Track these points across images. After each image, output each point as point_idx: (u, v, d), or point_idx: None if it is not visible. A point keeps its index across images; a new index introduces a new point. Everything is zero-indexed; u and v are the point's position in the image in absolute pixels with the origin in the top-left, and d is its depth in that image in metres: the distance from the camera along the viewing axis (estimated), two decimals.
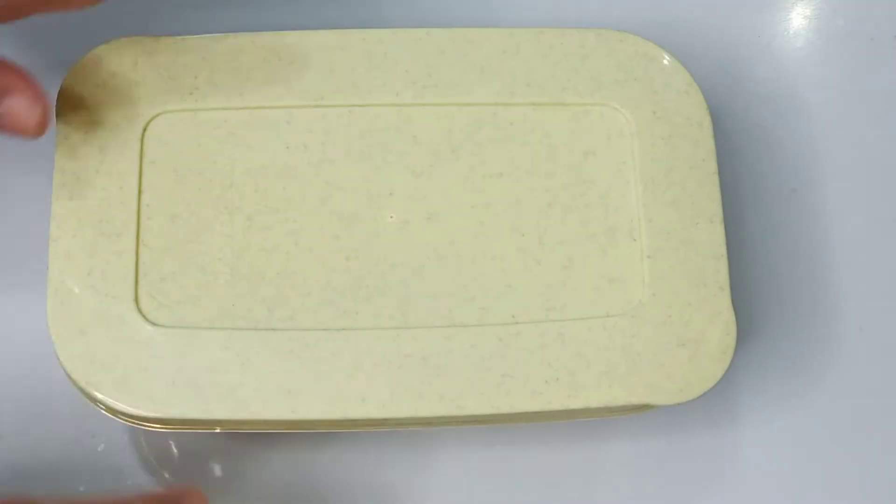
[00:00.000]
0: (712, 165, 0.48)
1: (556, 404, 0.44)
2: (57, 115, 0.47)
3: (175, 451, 0.49)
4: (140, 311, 0.45)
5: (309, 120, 0.47)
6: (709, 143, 0.48)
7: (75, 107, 0.47)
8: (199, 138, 0.47)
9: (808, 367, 0.52)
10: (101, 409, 0.45)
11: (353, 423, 0.45)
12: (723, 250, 0.47)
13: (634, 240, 0.47)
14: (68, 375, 0.44)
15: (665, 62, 0.49)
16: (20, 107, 0.43)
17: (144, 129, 0.47)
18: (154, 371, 0.44)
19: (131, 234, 0.46)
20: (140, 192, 0.46)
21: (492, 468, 0.50)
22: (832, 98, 0.56)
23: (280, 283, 0.45)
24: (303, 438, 0.49)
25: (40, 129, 0.43)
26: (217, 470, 0.49)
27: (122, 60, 0.48)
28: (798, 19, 0.57)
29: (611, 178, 0.48)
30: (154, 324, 0.45)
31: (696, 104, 0.49)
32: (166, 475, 0.49)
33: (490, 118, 0.48)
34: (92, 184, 0.46)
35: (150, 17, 0.54)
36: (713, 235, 0.47)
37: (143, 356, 0.44)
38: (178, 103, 0.47)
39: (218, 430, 0.46)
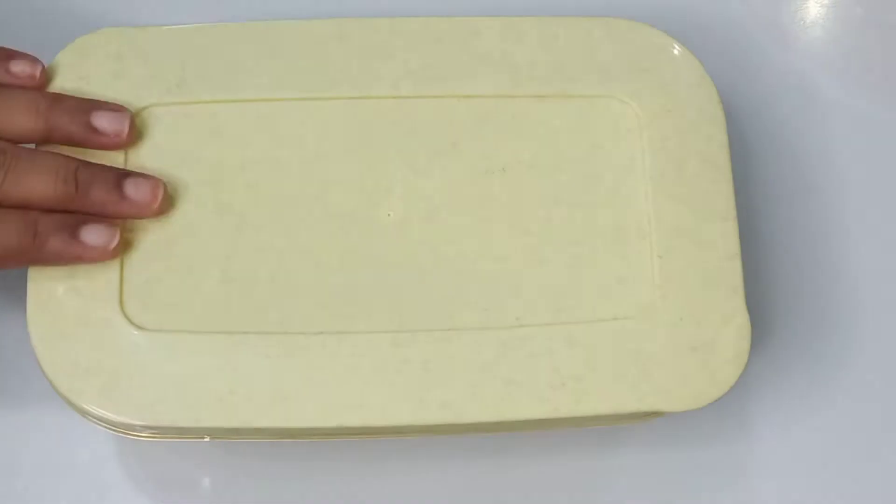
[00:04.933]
0: (725, 161, 0.47)
1: (563, 411, 0.44)
2: None
3: (162, 461, 0.49)
4: (125, 314, 0.44)
5: (303, 113, 0.47)
6: (721, 138, 0.48)
7: None
8: (187, 133, 0.47)
9: (826, 373, 0.51)
10: (86, 417, 0.44)
11: (350, 431, 0.44)
12: (736, 250, 0.46)
13: (644, 238, 0.46)
14: (50, 382, 0.44)
15: (676, 53, 0.49)
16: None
17: None
18: (140, 377, 0.44)
19: None
20: None
21: (495, 479, 0.49)
22: (851, 91, 0.56)
23: (273, 285, 0.45)
24: (296, 448, 0.49)
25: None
26: (206, 482, 0.49)
27: (106, 52, 0.48)
28: (815, 7, 0.58)
29: (619, 173, 0.47)
30: (140, 328, 0.44)
31: (709, 97, 0.48)
32: (153, 487, 0.49)
33: (492, 111, 0.48)
34: None
35: (135, 5, 0.55)
36: (726, 234, 0.46)
37: (128, 362, 0.44)
38: (164, 96, 0.47)
39: (207, 440, 0.45)
